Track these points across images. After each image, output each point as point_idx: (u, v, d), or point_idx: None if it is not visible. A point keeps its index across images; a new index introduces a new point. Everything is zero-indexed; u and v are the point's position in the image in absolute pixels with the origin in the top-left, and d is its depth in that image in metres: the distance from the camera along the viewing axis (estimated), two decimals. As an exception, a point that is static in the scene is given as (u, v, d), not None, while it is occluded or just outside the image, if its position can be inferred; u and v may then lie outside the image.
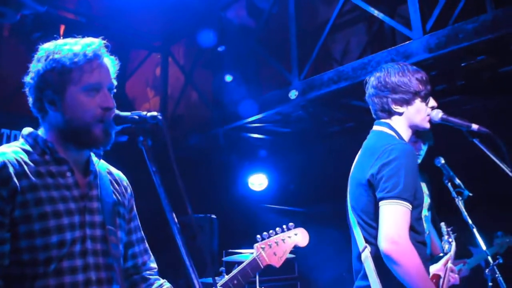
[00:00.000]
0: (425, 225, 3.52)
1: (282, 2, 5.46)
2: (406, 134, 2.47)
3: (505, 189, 2.57)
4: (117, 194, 1.91)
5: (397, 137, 2.42)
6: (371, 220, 2.31)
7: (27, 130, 1.80)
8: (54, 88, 1.72)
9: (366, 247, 2.31)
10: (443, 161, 3.74)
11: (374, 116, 2.57)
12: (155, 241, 2.33)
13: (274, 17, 5.67)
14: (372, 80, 2.52)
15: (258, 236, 2.56)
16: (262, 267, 2.51)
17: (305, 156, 6.50)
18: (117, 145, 1.82)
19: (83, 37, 1.82)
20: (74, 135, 1.74)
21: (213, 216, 5.93)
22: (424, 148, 3.70)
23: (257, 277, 4.23)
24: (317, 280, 6.16)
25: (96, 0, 6.42)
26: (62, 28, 5.80)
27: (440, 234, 3.40)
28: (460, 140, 2.48)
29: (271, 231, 2.60)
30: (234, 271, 2.42)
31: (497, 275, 3.61)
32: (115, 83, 1.83)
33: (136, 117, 1.66)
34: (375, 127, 2.53)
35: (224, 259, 4.81)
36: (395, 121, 2.47)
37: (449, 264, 2.98)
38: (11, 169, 1.61)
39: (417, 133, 2.93)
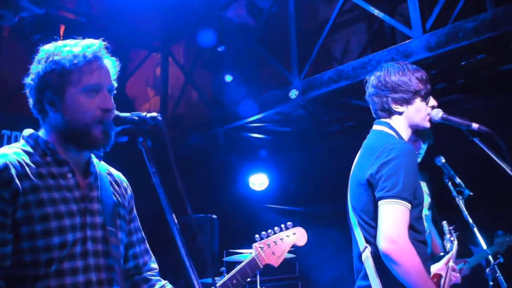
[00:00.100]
0: (425, 224, 3.53)
1: (282, 1, 5.45)
2: (406, 133, 2.47)
3: (505, 188, 2.57)
4: (117, 195, 1.91)
5: (396, 136, 2.41)
6: (371, 220, 2.30)
7: (28, 131, 1.80)
8: (54, 90, 1.72)
9: (366, 247, 2.31)
10: (443, 160, 3.74)
11: (374, 115, 2.56)
12: (155, 241, 2.33)
13: (274, 17, 5.66)
14: (372, 80, 2.52)
15: (257, 235, 2.56)
16: (261, 266, 2.51)
17: (305, 155, 6.49)
18: (117, 146, 1.82)
19: (83, 37, 1.83)
20: (73, 136, 1.74)
21: (214, 216, 5.92)
22: (424, 147, 3.70)
23: (258, 276, 4.22)
24: (317, 280, 6.17)
25: (96, 0, 6.42)
26: (62, 28, 5.80)
27: (441, 233, 3.40)
28: (461, 139, 2.48)
29: (269, 231, 2.60)
30: (233, 271, 2.43)
31: (497, 274, 3.60)
32: (115, 84, 1.83)
33: (136, 118, 1.66)
34: (375, 127, 2.53)
35: (225, 259, 4.80)
36: (395, 120, 2.46)
37: (451, 263, 2.97)
38: (12, 171, 1.61)
39: (417, 132, 2.92)
